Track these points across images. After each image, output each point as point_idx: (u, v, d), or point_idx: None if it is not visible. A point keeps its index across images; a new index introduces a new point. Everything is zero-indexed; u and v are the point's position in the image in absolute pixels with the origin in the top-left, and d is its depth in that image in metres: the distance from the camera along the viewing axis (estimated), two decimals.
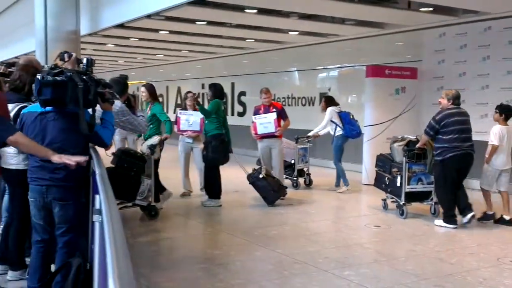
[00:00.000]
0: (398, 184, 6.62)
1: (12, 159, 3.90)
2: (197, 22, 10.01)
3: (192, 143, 7.91)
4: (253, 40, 12.28)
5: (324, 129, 8.92)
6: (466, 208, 6.18)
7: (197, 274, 4.51)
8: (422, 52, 10.20)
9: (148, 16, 9.06)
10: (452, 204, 6.20)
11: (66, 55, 3.72)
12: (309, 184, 9.08)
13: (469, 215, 6.13)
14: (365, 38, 10.97)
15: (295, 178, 8.86)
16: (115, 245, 1.53)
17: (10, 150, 3.83)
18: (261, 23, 10.31)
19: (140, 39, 12.30)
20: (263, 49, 13.57)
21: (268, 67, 14.49)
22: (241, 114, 15.42)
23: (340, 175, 8.68)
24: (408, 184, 6.58)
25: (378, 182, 7.21)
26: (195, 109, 7.83)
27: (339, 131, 8.63)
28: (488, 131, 7.14)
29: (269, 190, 7.30)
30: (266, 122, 7.72)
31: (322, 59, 12.89)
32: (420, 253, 5.24)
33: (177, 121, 7.94)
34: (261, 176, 7.28)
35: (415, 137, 6.77)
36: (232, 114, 15.73)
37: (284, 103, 13.55)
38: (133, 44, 13.38)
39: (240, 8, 8.78)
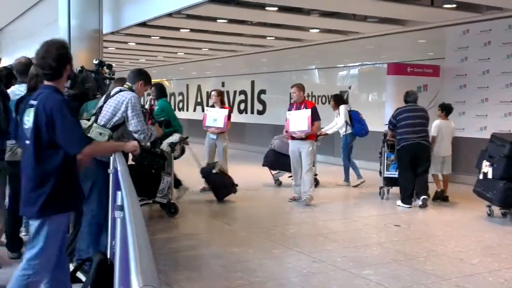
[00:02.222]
0: (379, 170, 7.90)
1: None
2: (218, 20, 10.05)
3: (216, 139, 7.99)
4: (273, 38, 12.27)
5: (335, 128, 8.91)
6: (420, 192, 7.17)
7: (216, 271, 4.54)
8: (445, 50, 10.06)
9: (169, 15, 9.14)
10: (409, 187, 7.20)
11: None
12: (316, 185, 8.45)
13: (421, 198, 7.12)
14: (386, 35, 10.87)
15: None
16: (138, 241, 1.56)
17: None
18: (282, 21, 10.30)
19: (161, 37, 12.40)
20: (283, 47, 13.55)
21: (288, 65, 14.46)
22: (260, 113, 15.42)
23: (353, 170, 8.88)
24: (387, 170, 7.75)
25: None
26: (222, 107, 8.00)
27: (349, 130, 8.76)
28: None
29: (221, 186, 7.34)
30: (299, 119, 7.16)
31: (342, 57, 12.81)
32: (441, 253, 5.19)
33: (203, 118, 8.11)
34: (214, 171, 7.29)
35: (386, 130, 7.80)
36: (252, 112, 15.75)
37: None
38: (154, 43, 13.50)
39: (261, 6, 8.78)
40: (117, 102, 4.15)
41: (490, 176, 6.47)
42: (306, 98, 7.72)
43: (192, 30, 11.27)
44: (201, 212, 7.07)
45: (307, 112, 7.10)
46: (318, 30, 11.06)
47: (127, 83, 4.44)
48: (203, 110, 16.46)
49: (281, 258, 4.92)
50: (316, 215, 6.93)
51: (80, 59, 8.32)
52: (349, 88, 12.49)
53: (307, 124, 7.05)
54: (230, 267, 4.62)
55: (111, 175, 3.35)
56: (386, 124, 7.73)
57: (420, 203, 7.12)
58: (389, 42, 11.30)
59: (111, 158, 3.32)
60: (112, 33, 10.86)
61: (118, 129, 4.15)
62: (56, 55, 2.89)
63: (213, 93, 8.32)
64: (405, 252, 5.17)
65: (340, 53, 12.76)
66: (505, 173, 6.28)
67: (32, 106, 2.91)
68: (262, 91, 15.38)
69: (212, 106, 8.33)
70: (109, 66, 4.40)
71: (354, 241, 5.64)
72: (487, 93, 9.25)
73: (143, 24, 10.17)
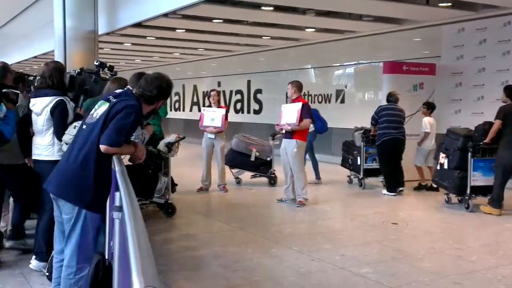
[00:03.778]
0: (358, 163, 8.61)
1: (48, 150, 4.03)
2: (213, 20, 10.04)
3: (214, 139, 8.00)
4: (269, 37, 12.27)
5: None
6: (400, 183, 8.04)
7: (215, 271, 4.53)
8: (441, 48, 10.08)
9: (165, 15, 9.13)
10: (391, 177, 8.04)
11: None
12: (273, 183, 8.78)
13: (398, 189, 7.99)
14: (382, 34, 10.89)
15: (272, 175, 8.82)
16: (139, 242, 1.55)
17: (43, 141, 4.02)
18: (278, 20, 10.30)
19: (157, 37, 12.39)
20: (279, 46, 13.55)
21: (284, 64, 14.46)
22: (257, 112, 15.42)
23: (313, 169, 9.01)
24: (365, 162, 8.59)
25: (344, 162, 9.25)
26: (219, 106, 8.01)
27: (311, 128, 8.53)
28: None
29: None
30: (290, 111, 7.07)
31: (338, 56, 12.82)
32: (439, 250, 5.20)
33: (200, 118, 8.10)
34: None
35: (370, 127, 8.55)
36: (248, 112, 15.74)
37: None
38: (150, 43, 13.48)
39: (257, 6, 8.78)
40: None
41: (446, 166, 7.13)
42: (302, 97, 7.54)
43: (187, 30, 11.25)
44: (198, 212, 7.07)
45: (298, 105, 6.99)
46: (314, 29, 11.07)
47: (129, 86, 4.47)
48: (199, 110, 16.43)
49: (279, 257, 4.92)
50: (314, 214, 6.93)
51: (76, 59, 8.34)
52: (345, 87, 12.50)
53: (295, 117, 6.91)
54: (229, 267, 4.62)
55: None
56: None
57: (386, 192, 8.08)
58: (385, 40, 11.31)
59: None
60: (108, 33, 10.83)
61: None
62: (159, 86, 3.13)
63: (213, 93, 8.30)
64: (403, 250, 5.19)
65: (336, 52, 12.77)
66: (458, 164, 6.92)
67: (108, 100, 3.07)
68: (258, 91, 15.38)
69: (209, 105, 8.32)
70: (111, 68, 4.40)
71: (352, 239, 5.65)
72: (482, 91, 9.27)
73: (138, 25, 10.15)
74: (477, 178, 6.85)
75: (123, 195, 2.26)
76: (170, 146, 6.47)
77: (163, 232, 5.80)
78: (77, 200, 3.00)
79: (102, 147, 2.94)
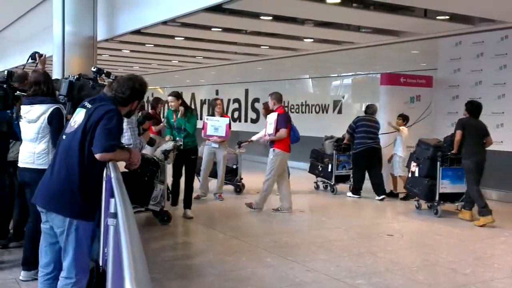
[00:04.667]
0: (330, 170, 9.11)
1: (42, 159, 4.02)
2: (212, 29, 10.08)
3: (217, 148, 7.98)
4: (267, 47, 12.32)
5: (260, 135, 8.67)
6: (382, 190, 8.58)
7: (209, 280, 4.52)
8: (438, 61, 10.14)
9: (164, 23, 9.15)
10: (360, 183, 8.71)
11: (36, 54, 4.02)
12: (239, 191, 8.85)
13: (381, 196, 8.51)
14: (380, 46, 10.95)
15: (238, 183, 8.82)
16: (132, 249, 1.55)
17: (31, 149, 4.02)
18: (276, 30, 10.35)
19: (156, 45, 12.41)
20: (277, 56, 13.60)
21: (282, 74, 14.50)
22: (254, 121, 15.44)
23: None
24: (337, 169, 9.08)
25: (312, 169, 9.65)
26: (222, 115, 8.01)
27: None
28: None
29: None
30: (270, 122, 7.31)
31: (336, 67, 12.87)
32: (433, 262, 5.20)
33: (203, 127, 8.05)
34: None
35: (341, 136, 9.26)
36: (246, 121, 15.76)
37: (297, 110, 13.56)
38: (148, 50, 13.51)
39: (256, 15, 8.82)
40: None
41: (417, 174, 7.59)
42: (283, 107, 7.62)
43: (186, 38, 11.29)
44: (194, 220, 7.04)
45: (274, 116, 7.28)
46: (312, 40, 11.12)
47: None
48: (197, 118, 16.47)
49: (274, 267, 4.91)
50: (309, 224, 6.93)
51: (74, 65, 8.34)
52: (343, 97, 12.55)
53: (272, 127, 7.21)
54: (223, 275, 4.60)
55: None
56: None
57: (379, 199, 8.54)
58: (383, 52, 11.37)
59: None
60: (107, 40, 10.84)
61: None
62: (132, 88, 3.10)
63: (218, 101, 8.29)
64: (398, 262, 5.18)
65: (334, 63, 12.83)
66: (428, 172, 7.38)
67: (85, 107, 3.05)
68: (256, 100, 15.41)
69: (212, 114, 8.28)
70: (108, 74, 4.43)
71: (347, 250, 5.64)
72: None
73: (137, 32, 10.17)
74: (445, 186, 7.31)
75: (118, 202, 2.25)
76: (166, 153, 6.47)
77: (158, 240, 5.78)
78: (66, 210, 2.97)
79: (98, 156, 2.93)
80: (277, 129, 7.19)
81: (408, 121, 8.91)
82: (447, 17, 8.46)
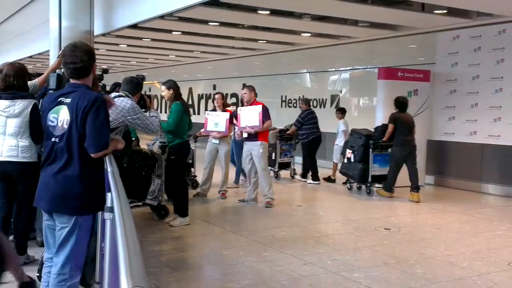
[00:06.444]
0: (273, 158, 9.89)
1: (26, 152, 4.09)
2: (209, 23, 10.05)
3: (219, 144, 7.89)
4: (265, 41, 12.29)
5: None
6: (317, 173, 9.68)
7: (207, 274, 4.52)
8: (435, 55, 10.14)
9: (161, 17, 9.11)
10: (316, 168, 9.68)
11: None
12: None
13: (312, 181, 9.67)
14: (378, 40, 10.93)
15: (193, 179, 8.51)
16: (128, 243, 1.55)
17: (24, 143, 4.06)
18: (274, 24, 10.32)
19: (153, 39, 12.37)
20: (275, 50, 13.57)
21: (279, 68, 14.48)
22: None
23: (236, 173, 9.09)
24: (280, 157, 10.01)
25: None
26: (224, 110, 7.92)
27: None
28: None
29: None
30: (251, 114, 7.19)
31: (334, 61, 12.85)
32: (430, 256, 5.21)
33: (204, 122, 7.97)
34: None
35: (284, 127, 10.31)
36: None
37: (295, 104, 13.55)
38: (145, 45, 13.46)
39: (253, 9, 8.79)
40: (119, 111, 4.23)
41: (352, 160, 8.61)
42: (256, 99, 7.58)
43: (183, 32, 11.25)
44: (191, 214, 7.04)
45: (258, 108, 7.14)
46: (309, 34, 11.10)
47: (125, 92, 4.54)
48: (194, 113, 16.43)
49: (272, 261, 4.92)
50: (306, 218, 6.93)
51: None
52: (340, 92, 12.54)
53: (258, 120, 7.09)
54: (220, 270, 4.60)
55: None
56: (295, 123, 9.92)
57: (309, 182, 9.67)
58: (380, 46, 11.36)
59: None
60: (103, 34, 10.80)
61: (115, 130, 4.20)
62: (86, 50, 2.99)
63: (217, 96, 8.20)
64: (395, 256, 5.19)
65: (332, 57, 12.81)
66: (362, 158, 8.47)
67: (62, 103, 2.97)
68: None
69: (213, 109, 8.21)
70: (106, 71, 4.47)
71: (344, 244, 5.65)
72: (477, 98, 9.33)
73: (134, 26, 10.13)
74: (376, 169, 8.47)
75: (114, 196, 2.25)
76: (163, 147, 6.46)
77: (155, 234, 5.78)
78: (72, 209, 2.94)
79: (93, 155, 2.91)
80: (263, 121, 7.11)
81: (345, 113, 9.91)
82: (445, 11, 8.44)
